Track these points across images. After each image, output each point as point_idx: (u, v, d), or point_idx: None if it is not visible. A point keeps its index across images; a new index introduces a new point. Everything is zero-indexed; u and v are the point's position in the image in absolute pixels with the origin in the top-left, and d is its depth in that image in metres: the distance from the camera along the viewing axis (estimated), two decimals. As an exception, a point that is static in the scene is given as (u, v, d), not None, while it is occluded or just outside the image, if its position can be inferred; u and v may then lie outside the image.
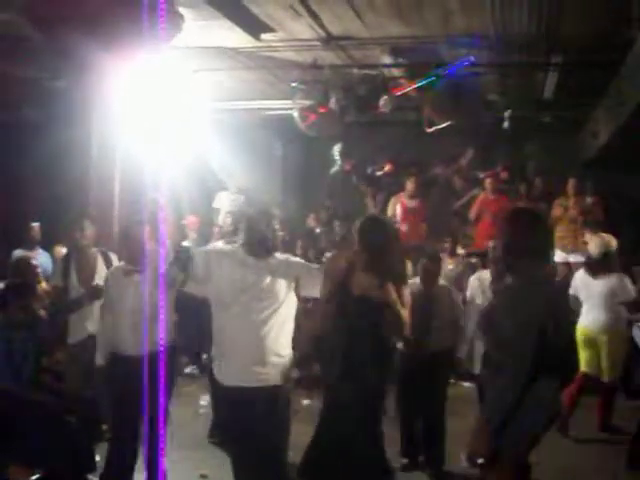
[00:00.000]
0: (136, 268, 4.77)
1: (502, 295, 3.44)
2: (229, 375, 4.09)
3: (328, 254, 7.62)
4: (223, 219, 10.34)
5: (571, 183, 9.61)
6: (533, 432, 3.27)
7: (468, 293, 6.16)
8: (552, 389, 3.30)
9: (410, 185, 10.16)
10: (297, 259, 4.51)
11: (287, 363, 4.14)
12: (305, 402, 7.11)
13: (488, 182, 10.07)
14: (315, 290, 4.23)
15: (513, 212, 3.89)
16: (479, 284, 5.92)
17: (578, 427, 6.45)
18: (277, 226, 4.21)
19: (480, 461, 3.19)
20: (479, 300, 5.80)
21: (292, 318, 4.20)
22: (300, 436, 4.39)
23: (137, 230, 4.83)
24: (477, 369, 5.60)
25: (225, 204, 10.88)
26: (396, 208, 10.15)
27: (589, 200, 9.56)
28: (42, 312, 5.91)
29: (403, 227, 9.85)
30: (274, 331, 4.05)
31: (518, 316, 3.20)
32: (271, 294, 4.07)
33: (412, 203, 10.16)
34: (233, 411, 4.08)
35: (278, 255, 4.25)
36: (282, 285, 4.11)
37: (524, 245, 3.36)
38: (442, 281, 8.61)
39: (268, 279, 4.08)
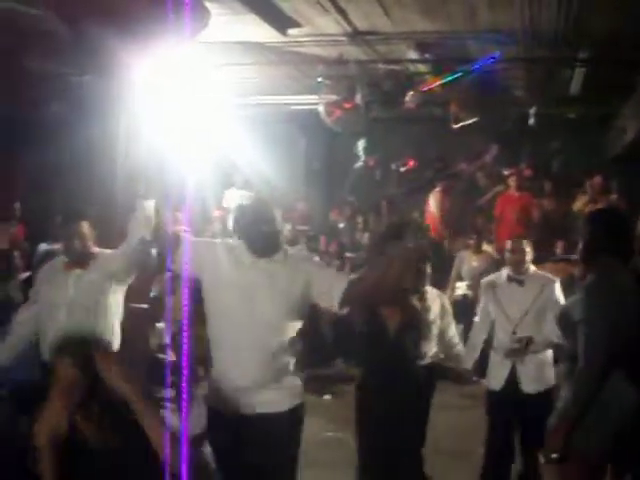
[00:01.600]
0: (78, 263, 4.32)
1: (580, 293, 3.45)
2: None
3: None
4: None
5: (596, 180, 9.54)
6: (610, 430, 3.22)
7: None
8: (628, 385, 3.27)
9: (446, 183, 10.34)
10: (309, 257, 3.74)
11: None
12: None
13: (512, 180, 10.03)
14: (329, 296, 3.39)
15: (594, 212, 3.95)
16: (487, 286, 5.03)
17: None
18: (279, 218, 3.55)
19: (555, 457, 3.16)
20: (489, 304, 4.98)
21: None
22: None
23: (81, 222, 4.35)
24: (491, 381, 4.91)
25: (235, 202, 10.39)
26: (433, 204, 10.35)
27: (614, 197, 9.48)
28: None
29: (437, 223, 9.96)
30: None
31: (594, 313, 3.23)
32: (276, 297, 3.40)
33: (448, 200, 10.32)
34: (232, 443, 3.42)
35: (286, 252, 3.57)
36: (290, 287, 3.43)
37: (603, 244, 3.40)
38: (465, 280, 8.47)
39: (271, 280, 3.42)
